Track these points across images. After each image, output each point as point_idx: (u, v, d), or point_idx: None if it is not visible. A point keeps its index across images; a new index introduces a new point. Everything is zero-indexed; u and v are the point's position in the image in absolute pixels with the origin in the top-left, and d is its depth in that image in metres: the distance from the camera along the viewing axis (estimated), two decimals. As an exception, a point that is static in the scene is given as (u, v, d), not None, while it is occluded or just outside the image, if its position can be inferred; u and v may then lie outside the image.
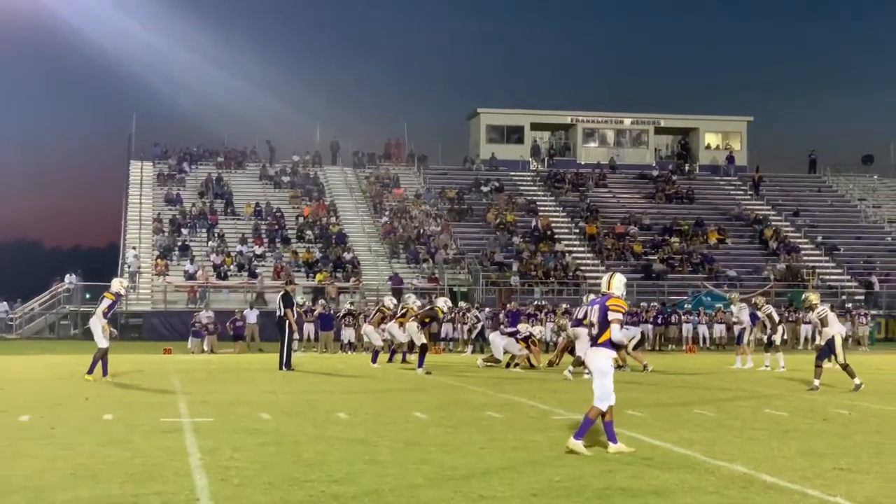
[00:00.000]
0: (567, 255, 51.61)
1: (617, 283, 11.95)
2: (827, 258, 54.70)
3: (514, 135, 65.79)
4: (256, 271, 47.00)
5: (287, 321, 25.40)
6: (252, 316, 37.17)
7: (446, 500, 9.01)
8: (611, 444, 11.45)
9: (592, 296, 21.06)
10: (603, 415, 11.47)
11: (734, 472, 10.33)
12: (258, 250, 49.13)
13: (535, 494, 9.23)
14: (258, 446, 11.92)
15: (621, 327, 11.63)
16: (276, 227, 51.58)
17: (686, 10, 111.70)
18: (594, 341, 11.64)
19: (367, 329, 28.97)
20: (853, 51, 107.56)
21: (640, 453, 11.58)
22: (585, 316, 16.90)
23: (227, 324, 36.45)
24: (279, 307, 25.86)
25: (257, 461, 10.86)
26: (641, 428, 13.72)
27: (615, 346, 11.61)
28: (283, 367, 24.93)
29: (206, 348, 34.93)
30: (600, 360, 11.50)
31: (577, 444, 11.33)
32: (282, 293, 26.52)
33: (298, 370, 25.06)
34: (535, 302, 42.99)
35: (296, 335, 28.77)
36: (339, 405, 16.51)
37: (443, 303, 27.23)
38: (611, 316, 11.44)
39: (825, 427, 14.16)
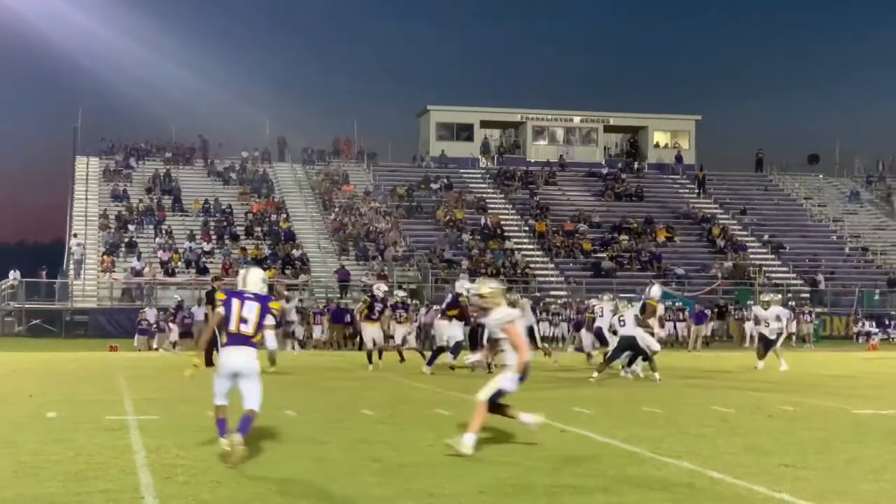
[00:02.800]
0: (516, 252, 51.71)
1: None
2: (773, 256, 55.22)
3: (463, 132, 65.79)
4: (205, 268, 46.64)
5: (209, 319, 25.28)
6: (200, 313, 36.90)
7: (394, 498, 8.96)
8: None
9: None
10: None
11: (681, 469, 10.37)
12: (206, 247, 48.78)
13: (482, 492, 9.21)
14: (204, 444, 11.80)
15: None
16: (225, 223, 51.26)
17: (635, 11, 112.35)
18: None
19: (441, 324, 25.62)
20: (800, 52, 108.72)
21: (588, 450, 11.60)
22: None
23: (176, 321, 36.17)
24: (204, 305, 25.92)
25: (203, 459, 10.76)
26: (590, 425, 13.74)
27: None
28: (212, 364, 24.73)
29: (153, 345, 34.63)
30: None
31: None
32: (207, 290, 26.47)
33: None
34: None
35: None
36: (287, 403, 16.39)
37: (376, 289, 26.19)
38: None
39: (771, 424, 14.25)
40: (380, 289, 25.97)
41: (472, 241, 51.95)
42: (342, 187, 57.05)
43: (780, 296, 29.33)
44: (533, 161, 63.87)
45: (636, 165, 65.24)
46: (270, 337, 23.46)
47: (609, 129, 67.85)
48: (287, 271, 46.76)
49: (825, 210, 61.81)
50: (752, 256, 54.51)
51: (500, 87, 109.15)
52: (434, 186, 58.38)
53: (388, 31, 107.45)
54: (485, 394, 11.67)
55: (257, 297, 11.11)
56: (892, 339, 45.51)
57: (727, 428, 13.67)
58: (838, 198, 64.22)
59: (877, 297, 50.44)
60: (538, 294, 46.04)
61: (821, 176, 67.04)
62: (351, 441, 12.32)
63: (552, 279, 49.89)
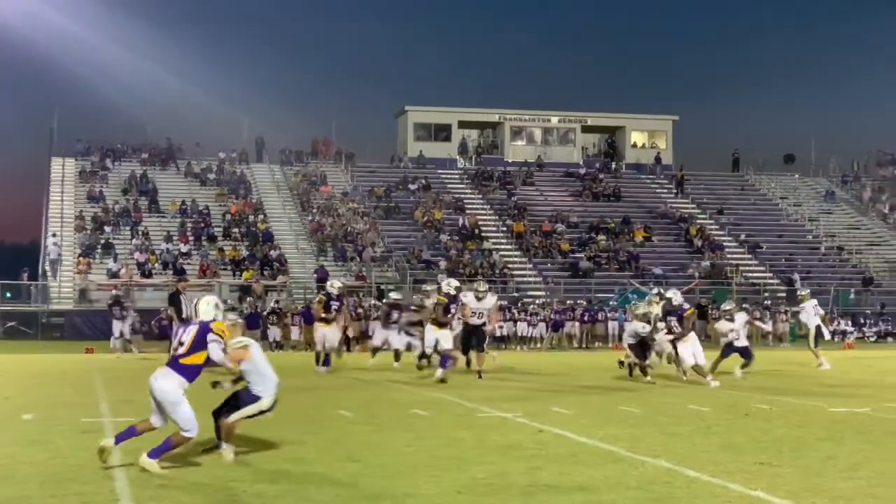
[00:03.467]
0: (494, 252, 51.75)
1: None
2: (750, 256, 55.43)
3: (441, 133, 65.78)
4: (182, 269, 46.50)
5: (183, 319, 25.15)
6: (188, 313, 36.72)
7: (371, 498, 8.97)
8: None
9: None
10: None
11: (658, 468, 10.41)
12: (184, 248, 48.63)
13: (459, 492, 9.23)
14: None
15: None
16: (202, 224, 51.10)
17: (612, 10, 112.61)
18: None
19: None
20: (776, 51, 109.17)
21: (566, 450, 11.63)
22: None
23: (153, 322, 35.99)
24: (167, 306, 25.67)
25: (180, 461, 10.73)
26: (568, 425, 13.78)
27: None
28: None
29: (132, 348, 34.47)
30: None
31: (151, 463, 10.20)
32: (171, 292, 26.26)
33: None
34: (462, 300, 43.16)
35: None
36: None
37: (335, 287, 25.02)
38: None
39: (747, 422, 14.32)
40: (333, 286, 24.82)
41: (451, 242, 51.95)
42: (320, 188, 56.96)
43: (808, 292, 30.10)
44: (511, 161, 63.90)
45: (614, 166, 65.35)
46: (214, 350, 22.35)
47: (587, 129, 67.92)
48: (265, 272, 46.68)
49: (801, 210, 62.07)
50: (729, 256, 54.68)
51: (478, 87, 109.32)
52: (412, 187, 58.36)
53: (366, 31, 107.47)
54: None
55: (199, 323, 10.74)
56: (868, 337, 45.74)
57: (704, 427, 13.73)
58: (814, 197, 64.50)
59: (852, 296, 50.69)
60: (516, 294, 46.10)
61: (796, 176, 67.32)
62: (328, 442, 12.32)
63: (530, 279, 49.96)
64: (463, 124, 66.40)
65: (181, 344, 10.54)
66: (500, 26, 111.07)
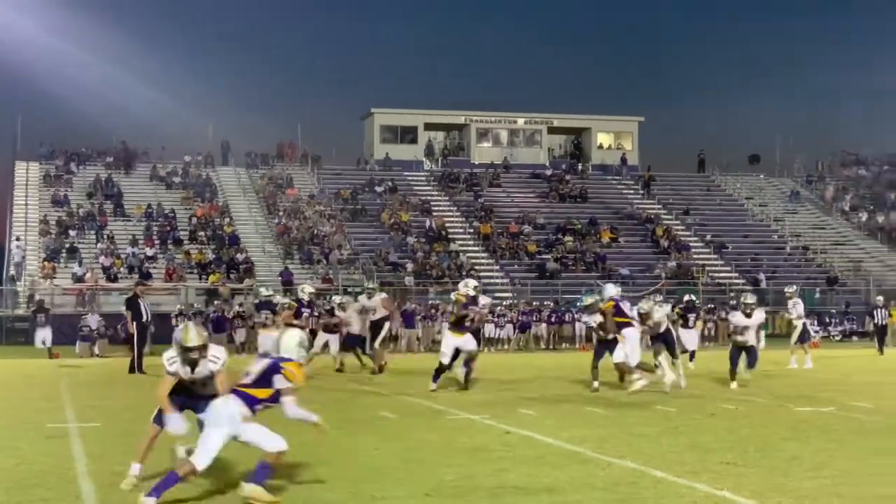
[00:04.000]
0: (461, 254, 51.78)
1: None
2: (716, 256, 55.68)
3: (407, 135, 65.75)
4: (148, 273, 46.25)
5: (137, 324, 25.05)
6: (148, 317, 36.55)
7: (340, 501, 8.97)
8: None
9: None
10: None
11: (624, 468, 10.46)
12: (149, 252, 48.38)
13: (428, 494, 9.24)
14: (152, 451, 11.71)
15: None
16: (168, 228, 50.87)
17: (578, 12, 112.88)
18: None
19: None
20: (739, 52, 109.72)
21: (533, 451, 11.66)
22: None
23: (119, 327, 35.79)
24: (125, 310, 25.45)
25: (146, 467, 10.68)
26: (535, 426, 13.81)
27: None
28: (135, 371, 24.59)
29: (96, 352, 34.32)
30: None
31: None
32: (128, 296, 26.07)
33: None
34: (430, 302, 43.36)
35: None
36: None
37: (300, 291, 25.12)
38: None
39: (713, 422, 14.40)
40: (304, 291, 24.14)
41: (417, 244, 51.93)
42: (286, 191, 56.79)
43: (795, 288, 29.55)
44: (477, 163, 63.93)
45: (580, 167, 65.52)
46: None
47: (553, 130, 68.05)
48: (231, 275, 46.51)
49: (766, 210, 62.43)
50: (695, 256, 54.93)
51: (444, 89, 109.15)
52: (378, 189, 58.30)
53: (331, 33, 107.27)
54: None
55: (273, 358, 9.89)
56: (833, 336, 46.02)
57: (670, 427, 13.80)
58: (779, 197, 64.87)
59: (817, 295, 51.01)
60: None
61: (762, 176, 67.69)
62: (296, 445, 12.23)
63: (497, 281, 49.98)
64: (429, 126, 66.39)
65: (247, 374, 9.76)
66: (466, 28, 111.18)
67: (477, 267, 50.79)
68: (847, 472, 10.29)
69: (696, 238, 57.32)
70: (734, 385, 19.77)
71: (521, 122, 67.33)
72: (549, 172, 63.61)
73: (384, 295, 26.07)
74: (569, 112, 69.79)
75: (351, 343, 25.30)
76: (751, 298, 21.66)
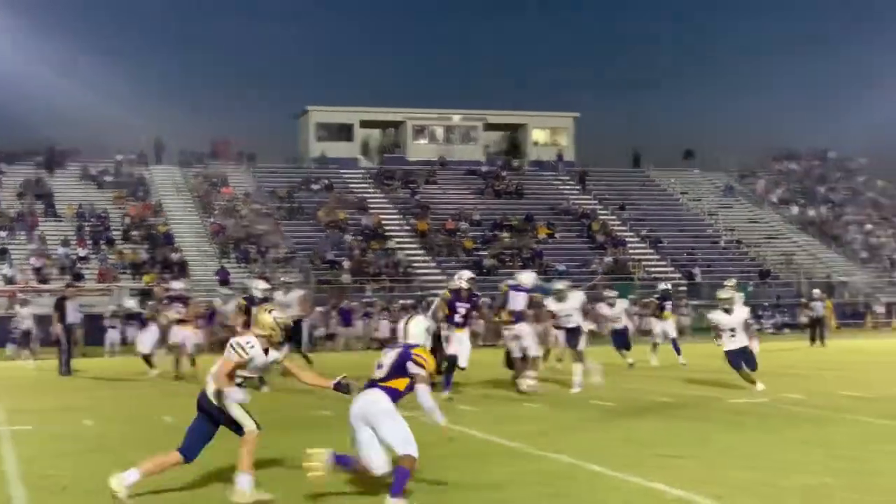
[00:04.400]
0: (398, 252, 51.73)
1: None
2: (651, 251, 56.10)
3: (343, 132, 65.57)
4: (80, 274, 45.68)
5: (68, 326, 24.75)
6: (76, 319, 36.05)
7: (276, 501, 8.88)
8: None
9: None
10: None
11: (561, 463, 10.48)
12: (81, 252, 47.77)
13: (362, 493, 9.18)
14: (80, 453, 11.58)
15: None
16: (101, 228, 50.27)
17: (513, 8, 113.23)
18: None
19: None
20: (673, 49, 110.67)
21: (472, 448, 11.64)
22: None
23: (50, 329, 35.26)
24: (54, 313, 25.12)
25: (78, 469, 10.55)
26: (473, 423, 13.80)
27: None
28: (63, 373, 24.32)
29: (28, 353, 33.78)
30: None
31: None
32: (57, 298, 25.75)
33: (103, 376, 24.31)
34: (366, 299, 43.38)
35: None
36: (165, 409, 16.16)
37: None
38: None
39: (649, 415, 14.48)
40: (258, 287, 21.47)
41: (354, 242, 51.81)
42: (221, 189, 56.38)
43: (733, 281, 27.52)
44: (413, 160, 63.93)
45: (516, 163, 65.73)
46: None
47: (489, 127, 68.21)
48: (166, 275, 46.03)
49: (700, 204, 63.04)
50: (631, 251, 55.32)
51: (380, 86, 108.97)
52: (315, 187, 58.07)
53: (266, 30, 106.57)
54: None
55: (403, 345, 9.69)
56: (766, 329, 46.57)
57: (606, 421, 13.85)
58: (713, 192, 65.51)
59: (750, 288, 51.55)
60: (420, 293, 46.09)
61: (696, 171, 68.32)
62: (233, 446, 12.16)
63: (434, 278, 49.95)
64: (365, 124, 66.29)
65: (379, 367, 9.63)
66: (401, 25, 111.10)
67: (414, 264, 50.78)
68: (781, 462, 10.40)
69: (631, 233, 57.73)
70: (760, 386, 17.33)
71: (456, 118, 67.38)
72: (485, 169, 63.75)
73: (301, 292, 25.38)
74: (504, 109, 70.02)
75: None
76: (726, 293, 18.72)
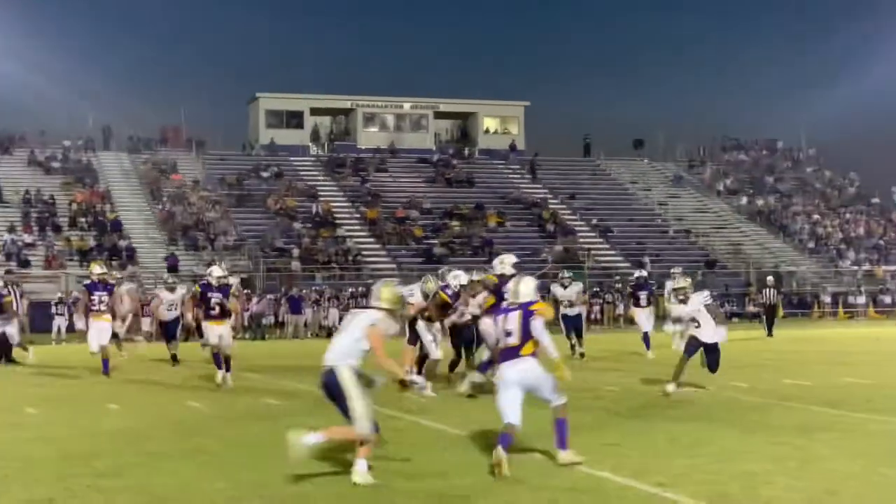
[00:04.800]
0: (348, 240, 51.61)
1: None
2: (601, 240, 56.31)
3: (293, 120, 65.32)
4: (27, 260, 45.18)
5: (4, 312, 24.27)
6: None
7: (219, 491, 8.85)
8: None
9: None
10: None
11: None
12: (28, 239, 47.23)
13: (310, 480, 9.16)
14: (22, 442, 11.47)
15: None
16: (47, 214, 49.74)
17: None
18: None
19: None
20: (622, 39, 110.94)
21: (420, 437, 11.66)
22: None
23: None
24: None
25: (20, 457, 10.45)
26: (423, 413, 13.81)
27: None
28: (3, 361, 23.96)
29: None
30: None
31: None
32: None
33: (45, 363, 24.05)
34: (316, 287, 43.34)
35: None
36: (111, 397, 16.05)
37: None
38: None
39: (595, 405, 14.54)
40: (213, 274, 19.33)
41: (304, 230, 51.63)
42: (170, 176, 55.96)
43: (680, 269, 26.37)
44: (363, 148, 63.79)
45: (467, 151, 65.77)
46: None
47: (439, 115, 68.19)
48: (114, 263, 45.63)
49: (650, 194, 63.40)
50: (581, 240, 55.50)
51: (330, 74, 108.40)
52: (264, 175, 57.79)
53: (215, 16, 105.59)
54: None
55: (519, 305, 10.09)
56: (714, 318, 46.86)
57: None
58: (662, 182, 65.89)
59: (699, 278, 51.92)
60: (370, 281, 45.95)
61: (645, 160, 68.70)
62: (178, 434, 12.11)
63: (384, 266, 49.90)
64: (315, 111, 66.07)
65: (508, 334, 9.93)
66: (351, 11, 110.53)
67: (364, 252, 50.69)
68: (722, 450, 10.51)
69: (581, 222, 57.93)
70: (671, 387, 15.55)
71: (407, 106, 67.31)
72: (435, 157, 63.74)
73: (130, 285, 24.72)
74: (455, 97, 70.00)
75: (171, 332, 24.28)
76: (681, 281, 17.07)
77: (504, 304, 10.54)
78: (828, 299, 51.30)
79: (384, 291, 9.92)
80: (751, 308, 46.45)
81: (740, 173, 67.67)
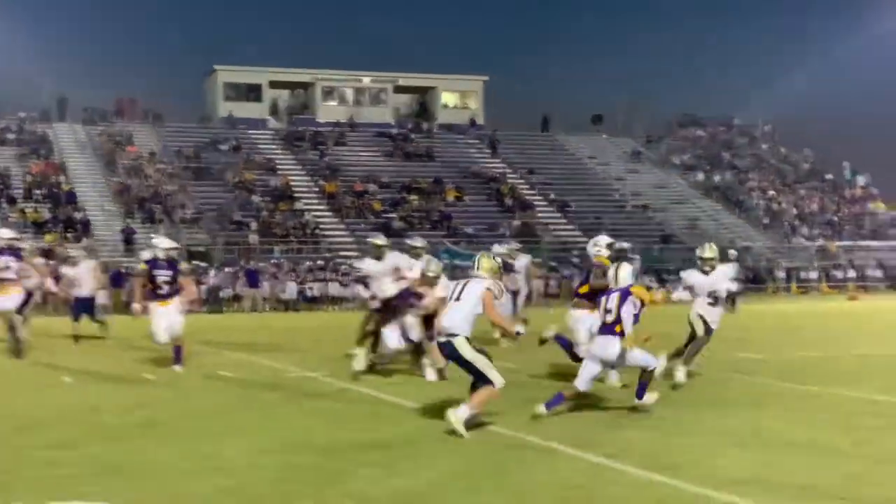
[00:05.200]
0: (306, 213, 51.47)
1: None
2: (559, 215, 56.49)
3: (252, 93, 65.01)
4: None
5: None
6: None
7: (172, 461, 8.84)
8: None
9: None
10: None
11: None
12: (-18, 211, 46.82)
13: (262, 451, 9.18)
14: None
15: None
16: (2, 186, 49.25)
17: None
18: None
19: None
20: (583, 14, 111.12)
21: (368, 408, 11.70)
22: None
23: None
24: None
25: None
26: (371, 383, 13.85)
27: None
28: None
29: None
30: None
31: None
32: None
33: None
34: (274, 260, 43.24)
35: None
36: (64, 370, 15.97)
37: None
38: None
39: (555, 379, 14.61)
40: (160, 246, 16.53)
41: (262, 203, 51.43)
42: (126, 148, 55.51)
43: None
44: (323, 122, 63.58)
45: (426, 126, 65.69)
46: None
47: (399, 89, 68.09)
48: (69, 235, 45.32)
49: (608, 169, 63.60)
50: (539, 215, 55.64)
51: (289, 47, 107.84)
52: (223, 148, 57.48)
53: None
54: None
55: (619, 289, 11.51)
56: (670, 292, 47.19)
57: (508, 388, 13.87)
58: (620, 157, 66.10)
59: (656, 252, 52.25)
60: (328, 255, 45.99)
61: (604, 136, 68.88)
62: (128, 406, 12.08)
63: (342, 240, 49.85)
64: (274, 84, 65.82)
65: (608, 311, 11.36)
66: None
67: (322, 226, 50.58)
68: (671, 423, 10.63)
69: (540, 197, 58.04)
70: (681, 374, 13.75)
71: (366, 80, 67.12)
72: (394, 131, 63.62)
73: (92, 263, 22.60)
74: (414, 71, 69.84)
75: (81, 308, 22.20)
76: (709, 251, 14.82)
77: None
78: (782, 274, 51.77)
79: (484, 262, 10.91)
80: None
81: (697, 149, 68.02)
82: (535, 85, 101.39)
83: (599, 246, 14.94)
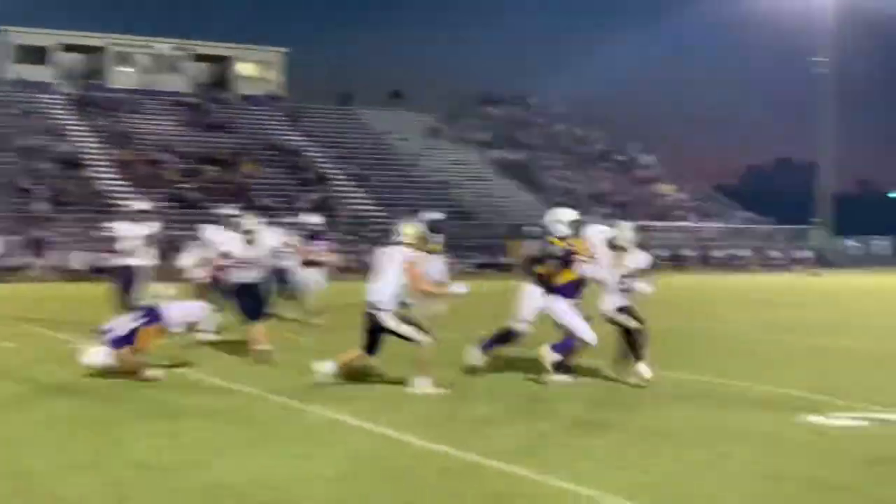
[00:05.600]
0: (98, 181, 50.05)
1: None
2: (359, 189, 56.50)
3: (42, 56, 62.71)
4: None
5: None
6: None
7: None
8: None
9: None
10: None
11: (325, 416, 10.43)
12: None
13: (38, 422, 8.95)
14: None
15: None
16: None
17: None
18: None
19: None
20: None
21: (235, 402, 11.51)
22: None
23: None
24: None
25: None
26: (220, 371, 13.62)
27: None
28: None
29: None
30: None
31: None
32: None
33: None
34: (63, 229, 42.07)
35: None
36: None
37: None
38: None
39: (402, 364, 14.60)
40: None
41: (51, 170, 49.75)
42: None
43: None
44: (116, 88, 61.91)
45: (225, 96, 64.69)
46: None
47: (197, 58, 66.82)
48: None
49: (407, 144, 63.94)
50: (337, 189, 55.55)
51: (82, 9, 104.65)
52: (11, 112, 55.30)
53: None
54: None
55: None
56: (466, 268, 47.83)
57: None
58: (420, 133, 66.50)
59: (456, 229, 52.79)
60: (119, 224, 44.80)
61: (404, 111, 69.20)
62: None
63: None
64: (66, 48, 63.65)
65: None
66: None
67: (114, 194, 49.27)
68: (455, 397, 10.75)
69: (339, 171, 57.95)
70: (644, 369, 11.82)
71: (163, 47, 65.62)
72: (192, 101, 62.45)
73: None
74: (213, 40, 68.74)
75: None
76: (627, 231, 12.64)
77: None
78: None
79: (406, 228, 10.91)
80: (503, 259, 47.61)
81: (494, 128, 69.03)
82: (339, 61, 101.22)
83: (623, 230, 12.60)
